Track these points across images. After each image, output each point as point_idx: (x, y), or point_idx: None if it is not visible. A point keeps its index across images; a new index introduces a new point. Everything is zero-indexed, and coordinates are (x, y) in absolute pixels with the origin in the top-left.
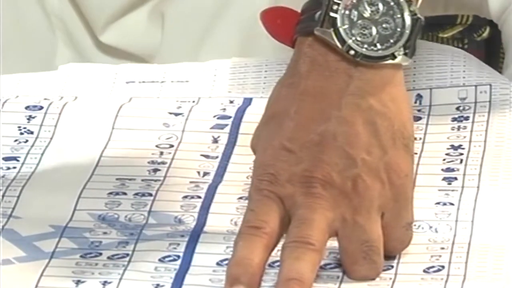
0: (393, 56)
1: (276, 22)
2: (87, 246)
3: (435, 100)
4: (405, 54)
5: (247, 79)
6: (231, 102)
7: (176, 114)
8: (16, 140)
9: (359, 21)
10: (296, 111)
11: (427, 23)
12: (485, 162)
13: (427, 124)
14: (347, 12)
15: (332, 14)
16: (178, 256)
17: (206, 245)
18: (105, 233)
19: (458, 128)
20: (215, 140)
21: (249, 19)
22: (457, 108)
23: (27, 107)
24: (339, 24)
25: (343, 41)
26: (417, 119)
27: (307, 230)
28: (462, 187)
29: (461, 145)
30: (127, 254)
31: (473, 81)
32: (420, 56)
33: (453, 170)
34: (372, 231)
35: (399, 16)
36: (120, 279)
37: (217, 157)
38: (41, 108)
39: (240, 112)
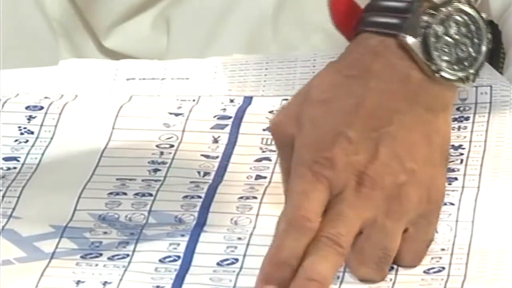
0: (465, 79)
1: (341, 7)
2: (88, 246)
3: None
4: (473, 80)
5: (248, 76)
6: (232, 101)
7: (177, 114)
8: (16, 140)
9: (444, 37)
10: (362, 104)
11: None
12: (485, 162)
13: None
14: (435, 25)
15: (422, 23)
16: (179, 257)
17: (207, 245)
18: (105, 233)
19: (459, 128)
20: (216, 140)
21: (255, 22)
22: (458, 109)
23: (27, 107)
24: (429, 36)
25: (427, 54)
26: None
27: (341, 227)
28: (463, 187)
29: (461, 145)
30: (128, 255)
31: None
32: None
33: (453, 170)
34: (394, 240)
35: (477, 41)
36: (120, 279)
37: (217, 157)
38: (42, 108)
39: (241, 112)
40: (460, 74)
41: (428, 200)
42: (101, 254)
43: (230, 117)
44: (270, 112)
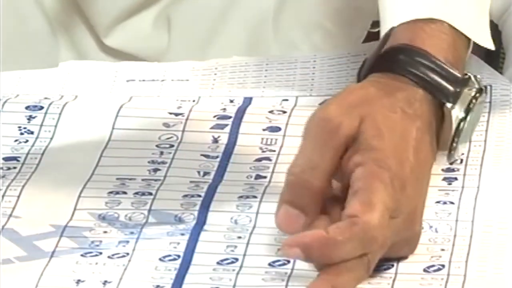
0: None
1: None
2: (87, 245)
3: None
4: None
5: (248, 78)
6: (231, 101)
7: (176, 114)
8: (16, 140)
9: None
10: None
11: None
12: (485, 162)
13: None
14: (472, 104)
15: (471, 104)
16: (178, 256)
17: (206, 244)
18: (105, 232)
19: None
20: (215, 140)
21: (256, 21)
22: None
23: (27, 107)
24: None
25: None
26: None
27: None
28: (462, 187)
29: None
30: (127, 253)
31: None
32: None
33: (453, 170)
34: None
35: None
36: (120, 278)
37: (217, 157)
38: (41, 108)
39: (240, 112)
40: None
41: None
42: (101, 253)
43: (230, 117)
44: (270, 112)
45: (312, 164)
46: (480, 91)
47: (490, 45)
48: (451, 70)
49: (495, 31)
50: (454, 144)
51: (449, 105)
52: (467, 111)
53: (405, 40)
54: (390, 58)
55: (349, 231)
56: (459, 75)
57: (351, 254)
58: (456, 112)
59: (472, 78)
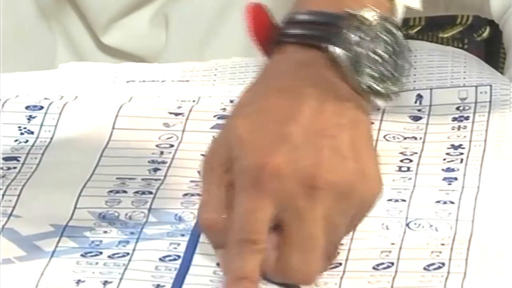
0: (385, 96)
1: (256, 18)
2: (88, 245)
3: (435, 100)
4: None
5: (248, 78)
6: (232, 101)
7: (177, 114)
8: (16, 140)
9: (372, 55)
10: (299, 111)
11: (427, 23)
12: (485, 162)
13: (427, 124)
14: (366, 42)
15: (353, 38)
16: (179, 256)
17: (207, 245)
18: (105, 232)
19: (459, 127)
20: None
21: None
22: (457, 108)
23: (27, 107)
24: (359, 52)
25: (356, 68)
26: (417, 118)
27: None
28: (463, 187)
29: (461, 145)
30: (128, 253)
31: (473, 82)
32: (421, 57)
33: (453, 170)
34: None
35: (400, 63)
36: (121, 278)
37: None
38: (42, 108)
39: None
40: (383, 90)
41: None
42: (101, 253)
43: None
44: None
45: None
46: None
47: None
48: (320, 11)
49: (495, 31)
50: (362, 74)
51: (330, 47)
52: (345, 42)
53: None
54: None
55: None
56: (332, 12)
57: None
58: (339, 50)
59: (365, 11)
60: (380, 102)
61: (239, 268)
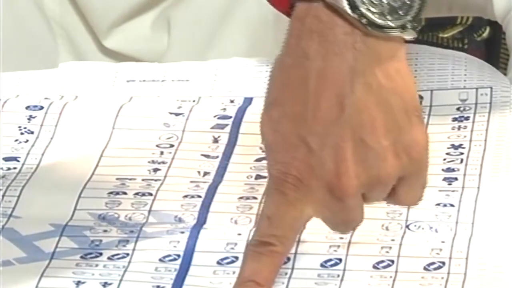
0: (403, 28)
1: None
2: (87, 245)
3: (436, 101)
4: (413, 28)
5: (248, 79)
6: (232, 101)
7: (177, 114)
8: (16, 140)
9: None
10: (306, 101)
11: (427, 23)
12: (485, 162)
13: (427, 124)
14: None
15: None
16: (178, 256)
17: (206, 242)
18: (105, 231)
19: (459, 128)
20: (216, 140)
21: (256, 23)
22: (458, 109)
23: (27, 107)
24: None
25: (355, 8)
26: None
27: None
28: (463, 187)
29: (461, 145)
30: (127, 254)
31: (474, 84)
32: (422, 60)
33: (453, 170)
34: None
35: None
36: (121, 280)
37: (217, 157)
38: (42, 108)
39: (241, 112)
40: (396, 23)
41: (410, 160)
42: (101, 254)
43: (230, 117)
44: None
45: None
46: None
47: None
48: None
49: (495, 31)
50: (364, 14)
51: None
52: None
53: None
54: None
55: None
56: None
57: None
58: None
59: None
60: (401, 35)
61: (251, 269)
